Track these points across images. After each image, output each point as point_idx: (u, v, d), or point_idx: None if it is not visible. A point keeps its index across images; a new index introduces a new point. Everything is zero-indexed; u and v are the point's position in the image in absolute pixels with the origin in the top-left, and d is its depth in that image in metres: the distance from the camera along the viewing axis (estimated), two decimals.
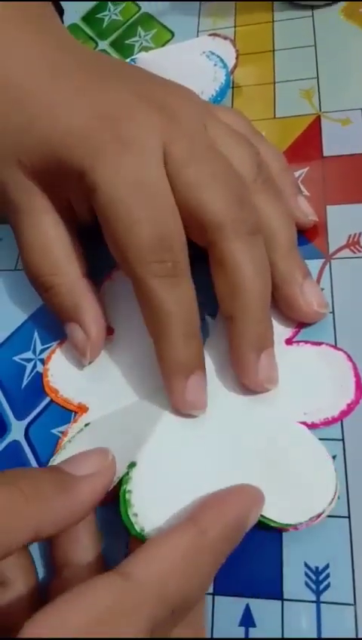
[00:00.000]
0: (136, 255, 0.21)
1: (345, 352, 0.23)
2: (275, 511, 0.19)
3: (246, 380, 0.22)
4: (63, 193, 0.23)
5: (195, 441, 0.21)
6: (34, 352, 0.26)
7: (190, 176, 0.21)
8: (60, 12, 0.31)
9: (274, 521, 0.19)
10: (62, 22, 0.32)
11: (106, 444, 0.20)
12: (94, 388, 0.24)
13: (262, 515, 0.19)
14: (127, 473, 0.20)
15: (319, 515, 0.19)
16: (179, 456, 0.21)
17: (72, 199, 0.23)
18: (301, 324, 0.24)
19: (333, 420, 0.21)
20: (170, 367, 0.21)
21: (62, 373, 0.25)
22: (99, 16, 0.38)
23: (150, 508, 0.19)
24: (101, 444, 0.20)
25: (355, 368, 0.22)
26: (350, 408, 0.21)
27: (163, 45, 0.35)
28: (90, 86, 0.23)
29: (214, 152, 0.22)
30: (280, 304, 0.23)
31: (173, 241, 0.21)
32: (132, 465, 0.20)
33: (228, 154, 0.23)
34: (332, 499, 0.19)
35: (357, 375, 0.22)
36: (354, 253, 0.25)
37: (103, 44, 0.37)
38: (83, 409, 0.24)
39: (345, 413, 0.21)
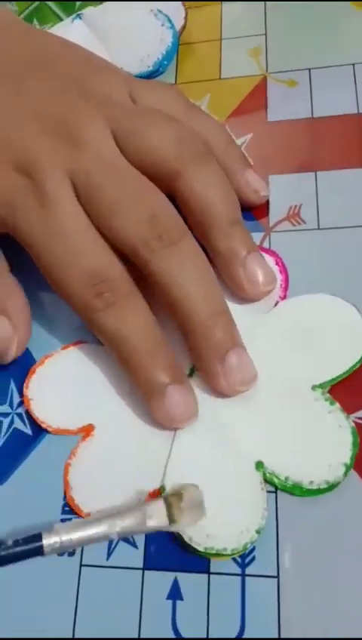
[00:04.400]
0: (74, 299, 0.22)
1: None
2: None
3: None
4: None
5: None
6: (10, 405, 0.24)
7: (97, 207, 0.22)
8: None
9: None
10: None
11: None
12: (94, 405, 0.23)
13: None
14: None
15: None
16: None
17: None
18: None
19: None
20: (144, 390, 0.21)
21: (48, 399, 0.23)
22: None
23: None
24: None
25: None
26: None
27: None
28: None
29: (117, 171, 0.22)
30: (229, 284, 0.23)
31: (104, 270, 0.21)
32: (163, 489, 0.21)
33: (143, 144, 0.22)
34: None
35: None
36: (294, 225, 0.25)
37: None
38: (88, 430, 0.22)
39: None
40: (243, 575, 0.19)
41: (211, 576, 0.20)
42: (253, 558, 0.19)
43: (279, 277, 0.23)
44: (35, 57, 0.25)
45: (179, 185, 0.22)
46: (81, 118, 0.23)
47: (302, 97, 0.27)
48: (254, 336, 0.22)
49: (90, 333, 0.23)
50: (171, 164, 0.22)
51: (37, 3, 0.34)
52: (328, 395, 0.21)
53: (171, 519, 0.19)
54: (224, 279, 0.23)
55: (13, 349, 0.23)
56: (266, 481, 0.20)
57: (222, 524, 0.20)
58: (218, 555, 0.19)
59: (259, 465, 0.20)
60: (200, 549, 0.19)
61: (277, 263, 0.24)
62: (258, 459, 0.20)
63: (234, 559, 0.20)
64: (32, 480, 0.22)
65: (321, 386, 0.21)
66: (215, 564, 0.20)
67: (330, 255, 0.24)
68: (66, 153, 0.22)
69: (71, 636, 0.19)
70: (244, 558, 0.20)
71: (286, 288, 0.23)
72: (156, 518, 0.19)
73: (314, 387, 0.21)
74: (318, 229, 0.24)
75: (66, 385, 0.23)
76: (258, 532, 0.19)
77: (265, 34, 0.30)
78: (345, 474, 0.20)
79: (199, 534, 0.19)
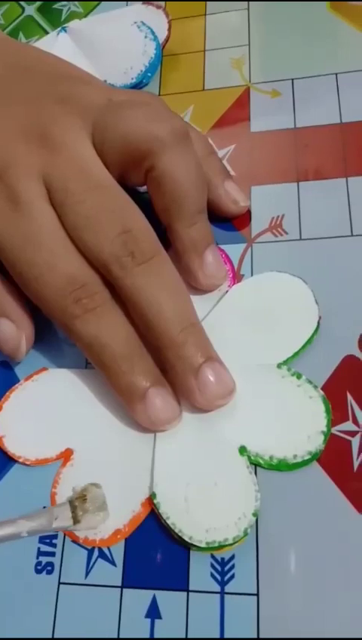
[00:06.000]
0: (52, 306, 0.21)
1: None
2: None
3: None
4: None
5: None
6: None
7: (70, 217, 0.22)
8: None
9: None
10: None
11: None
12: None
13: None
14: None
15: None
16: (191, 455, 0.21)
17: None
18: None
19: None
20: (125, 395, 0.21)
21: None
22: None
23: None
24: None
25: None
26: None
27: (91, 10, 0.33)
28: None
29: (92, 180, 0.22)
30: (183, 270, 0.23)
31: (80, 276, 0.21)
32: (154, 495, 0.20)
33: (119, 132, 0.22)
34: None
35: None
36: (276, 236, 0.24)
37: (30, 10, 0.35)
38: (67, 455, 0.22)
39: None
40: (222, 593, 0.19)
41: (190, 594, 0.19)
42: (233, 576, 0.19)
43: (226, 268, 0.24)
44: (13, 68, 0.25)
45: (153, 164, 0.22)
46: (57, 122, 0.23)
47: (285, 108, 0.27)
48: (213, 325, 0.22)
49: (56, 356, 0.23)
50: (145, 144, 0.22)
51: (22, 17, 0.34)
52: (293, 370, 0.21)
53: (75, 520, 0.20)
54: (179, 263, 0.23)
55: (24, 347, 0.23)
56: (252, 463, 0.20)
57: (218, 515, 0.20)
58: (221, 547, 0.19)
59: (242, 450, 0.21)
60: (202, 545, 0.19)
61: (221, 255, 0.24)
62: (240, 444, 0.21)
63: (213, 576, 0.19)
64: (13, 494, 0.22)
65: (285, 362, 0.22)
66: (193, 582, 0.19)
67: (312, 266, 0.23)
68: (40, 156, 0.22)
69: None
70: (223, 576, 0.19)
71: (233, 277, 0.24)
72: (61, 519, 0.20)
73: (279, 365, 0.22)
74: (300, 239, 0.24)
75: (36, 415, 0.23)
76: (254, 515, 0.19)
77: (248, 45, 0.30)
78: (324, 441, 0.20)
79: (198, 531, 0.19)
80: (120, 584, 0.20)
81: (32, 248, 0.21)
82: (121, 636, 0.19)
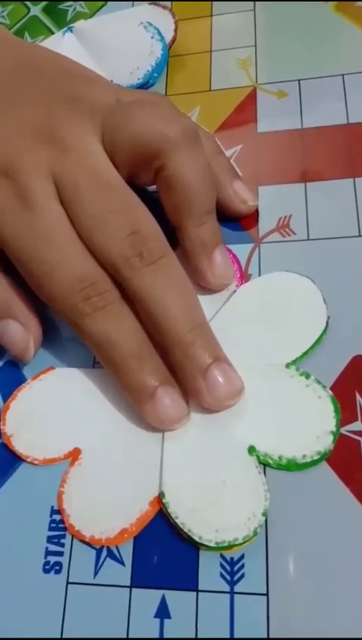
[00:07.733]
0: (61, 303, 0.21)
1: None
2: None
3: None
4: None
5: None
6: None
7: (79, 217, 0.22)
8: None
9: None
10: None
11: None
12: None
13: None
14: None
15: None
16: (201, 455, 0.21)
17: None
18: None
19: None
20: (133, 394, 0.21)
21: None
22: None
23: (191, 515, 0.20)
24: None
25: None
26: None
27: (97, 10, 0.33)
28: None
29: (101, 180, 0.22)
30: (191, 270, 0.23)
31: (90, 274, 0.21)
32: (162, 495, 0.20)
33: (129, 132, 0.22)
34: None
35: None
36: (284, 236, 0.25)
37: (35, 10, 0.35)
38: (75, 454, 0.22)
39: None
40: (231, 593, 0.19)
41: (199, 593, 0.19)
42: (242, 576, 0.19)
43: (235, 268, 0.24)
44: (21, 67, 0.25)
45: (163, 164, 0.22)
46: (66, 123, 0.23)
47: (292, 108, 0.27)
48: (221, 325, 0.23)
49: (63, 355, 0.23)
50: (155, 144, 0.22)
51: (28, 17, 0.34)
52: (302, 369, 0.22)
53: None
54: (187, 263, 0.23)
55: (32, 348, 0.23)
56: (261, 463, 0.20)
57: (227, 515, 0.20)
58: (230, 546, 0.19)
59: (251, 449, 0.21)
60: (212, 544, 0.19)
61: (229, 255, 0.24)
62: (249, 444, 0.21)
63: (223, 576, 0.19)
64: (20, 493, 0.22)
65: (294, 362, 0.22)
66: (203, 582, 0.19)
67: (320, 266, 0.23)
68: (49, 155, 0.22)
69: None
70: (233, 576, 0.19)
71: (241, 277, 0.24)
72: None
73: (287, 365, 0.22)
74: (308, 239, 0.24)
75: (43, 414, 0.23)
76: (264, 514, 0.19)
77: (255, 45, 0.30)
78: (334, 441, 0.20)
79: (207, 531, 0.19)
80: (129, 584, 0.20)
81: (42, 246, 0.21)
82: (130, 636, 0.19)
